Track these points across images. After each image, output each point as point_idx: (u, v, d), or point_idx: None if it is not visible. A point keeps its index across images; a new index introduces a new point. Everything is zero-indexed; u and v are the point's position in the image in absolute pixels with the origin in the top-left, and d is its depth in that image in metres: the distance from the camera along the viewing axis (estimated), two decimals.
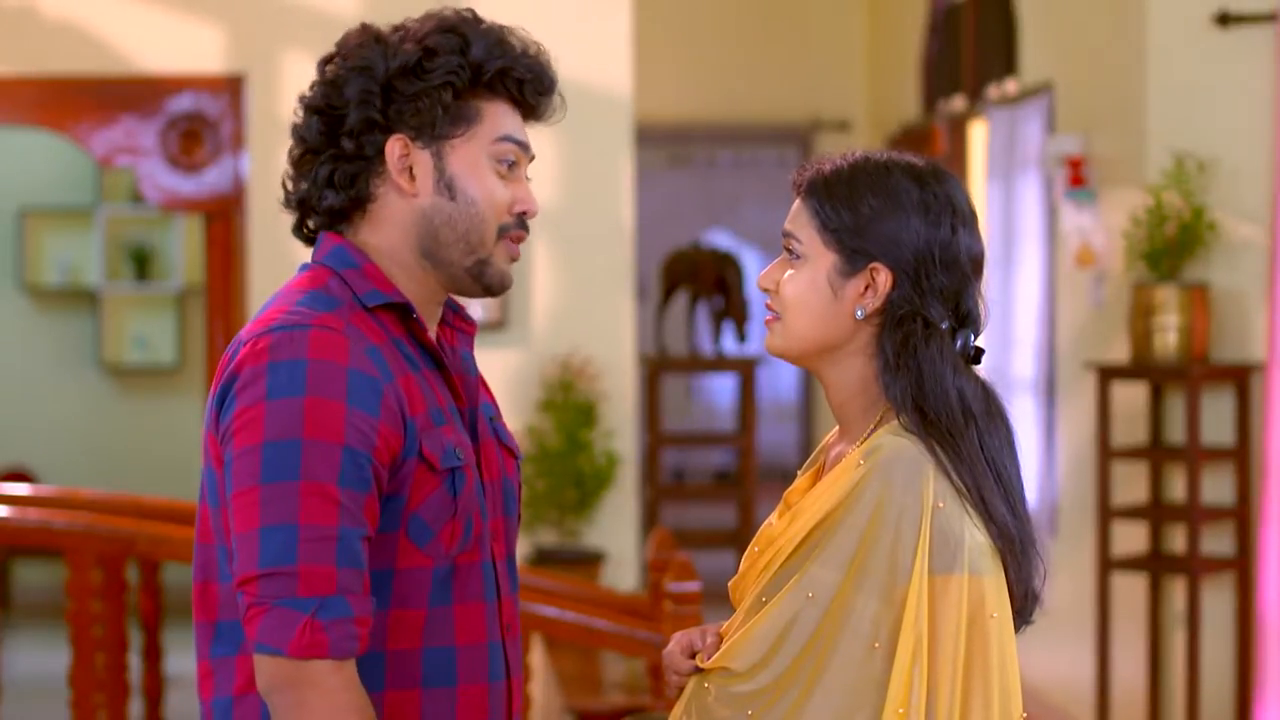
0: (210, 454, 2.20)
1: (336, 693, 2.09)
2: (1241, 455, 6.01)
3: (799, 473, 2.40)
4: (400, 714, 2.21)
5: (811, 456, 2.41)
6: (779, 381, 10.59)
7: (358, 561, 2.11)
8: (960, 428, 2.19)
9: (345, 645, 2.09)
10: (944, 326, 2.23)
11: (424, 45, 2.24)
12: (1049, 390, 7.10)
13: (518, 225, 2.31)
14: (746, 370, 8.91)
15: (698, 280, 8.78)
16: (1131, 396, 6.30)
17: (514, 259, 2.32)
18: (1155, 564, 6.13)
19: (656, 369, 8.86)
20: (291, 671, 2.08)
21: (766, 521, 2.35)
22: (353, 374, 2.14)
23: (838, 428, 2.36)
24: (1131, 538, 6.33)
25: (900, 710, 2.11)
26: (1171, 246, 5.96)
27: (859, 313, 2.24)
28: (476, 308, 6.46)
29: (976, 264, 2.28)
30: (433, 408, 2.23)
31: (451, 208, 2.26)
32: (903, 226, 2.23)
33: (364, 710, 2.11)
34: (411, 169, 2.26)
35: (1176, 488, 6.14)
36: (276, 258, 6.49)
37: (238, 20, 6.69)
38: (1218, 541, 6.11)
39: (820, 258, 2.25)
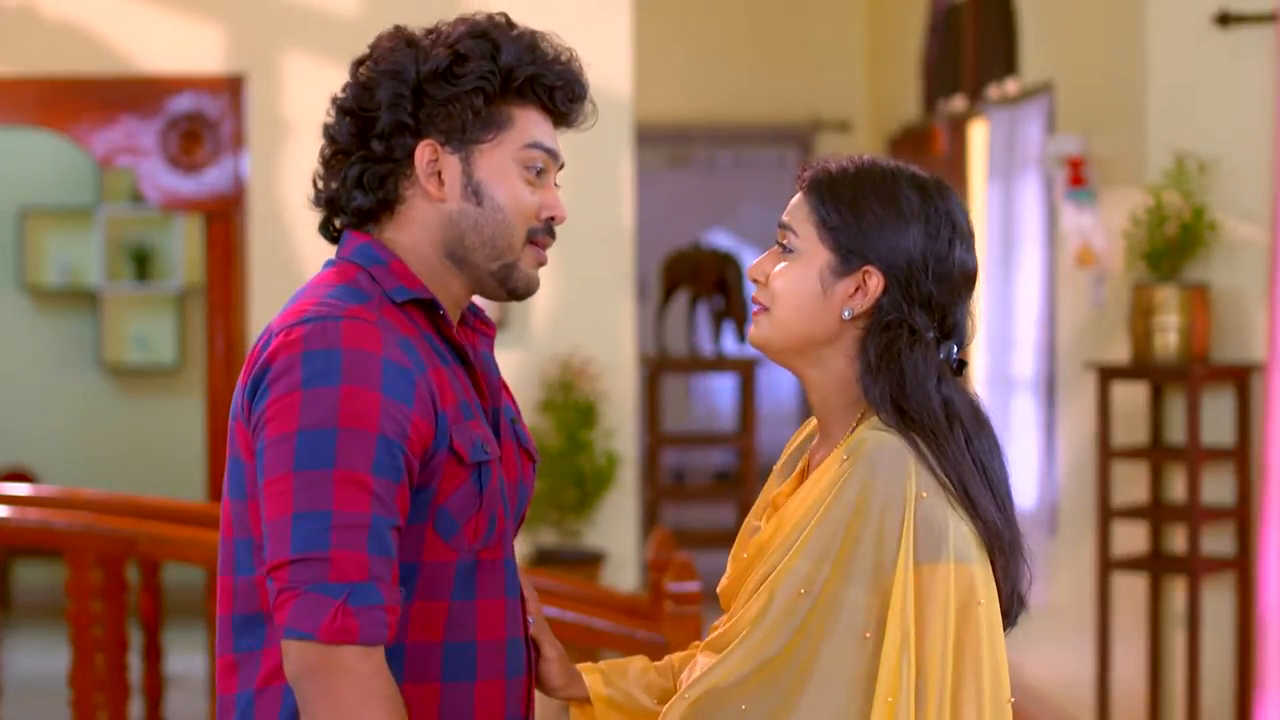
0: (239, 445, 2.21)
1: (366, 679, 2.09)
2: (1242, 455, 6.01)
3: (775, 470, 2.43)
4: (419, 707, 2.22)
5: (787, 456, 2.44)
6: (779, 382, 10.59)
7: (388, 550, 2.12)
8: (944, 428, 2.21)
9: (375, 632, 2.09)
10: (929, 336, 2.25)
11: (455, 50, 2.25)
12: (1049, 390, 7.10)
13: (545, 231, 2.32)
14: (746, 371, 8.91)
15: (698, 280, 8.79)
16: (1132, 396, 6.30)
17: (541, 264, 2.34)
18: (1155, 564, 6.13)
19: (657, 369, 8.86)
20: (321, 657, 2.08)
21: (749, 524, 2.37)
22: (387, 364, 2.15)
23: (811, 426, 2.40)
24: (1132, 538, 6.33)
25: (889, 699, 2.13)
26: (1172, 246, 5.96)
27: (846, 313, 2.26)
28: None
29: (968, 280, 2.30)
30: (462, 401, 2.24)
31: (478, 213, 2.28)
32: (901, 234, 2.25)
33: (393, 697, 2.12)
34: (440, 173, 2.27)
35: (1177, 488, 6.14)
36: (277, 258, 6.48)
37: (238, 20, 6.69)
38: (1218, 541, 6.11)
39: (814, 254, 2.27)
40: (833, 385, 2.30)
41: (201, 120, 6.66)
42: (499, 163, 2.28)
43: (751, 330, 2.33)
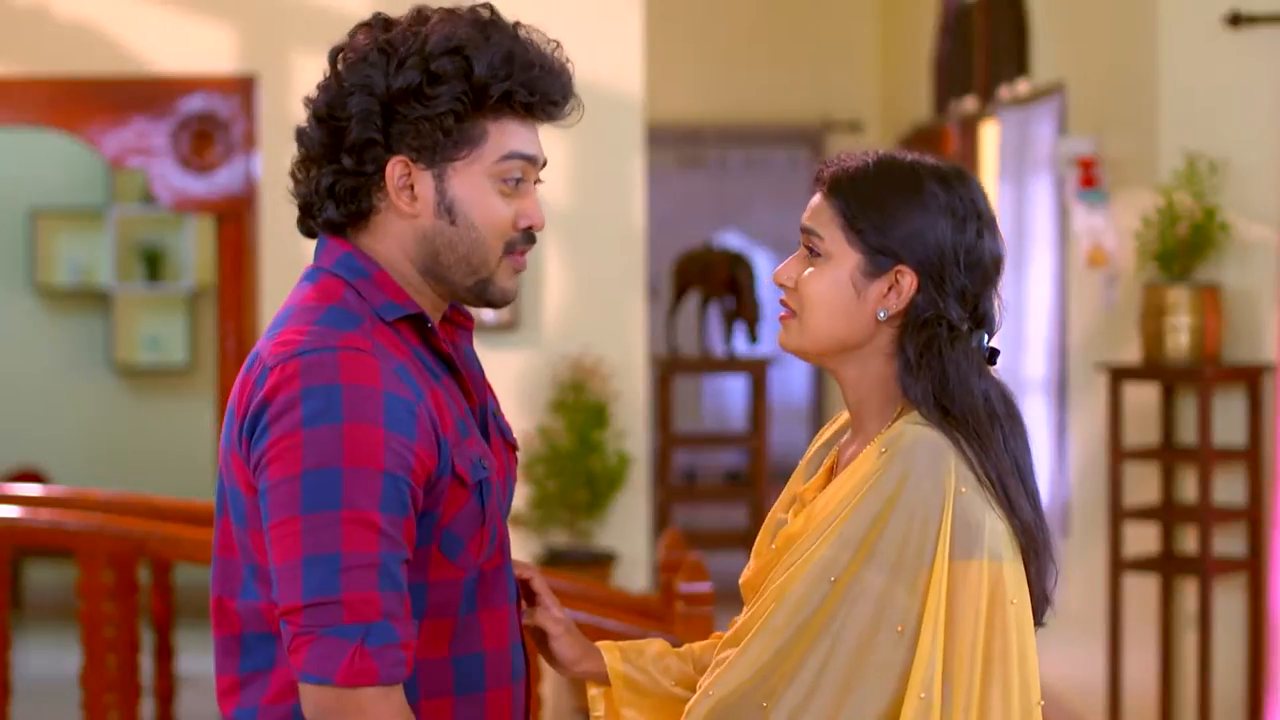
0: (236, 478, 2.17)
1: (386, 719, 2.08)
2: (1253, 456, 6.00)
3: (801, 465, 2.39)
4: None
5: (813, 452, 2.40)
6: (790, 382, 10.59)
7: (398, 585, 2.10)
8: (985, 427, 2.19)
9: (393, 671, 2.08)
10: (964, 329, 2.23)
11: (428, 69, 2.18)
12: (1060, 391, 7.09)
13: (524, 240, 2.27)
14: (758, 371, 8.90)
15: (709, 281, 8.78)
16: (1143, 397, 6.29)
17: (519, 271, 2.30)
18: (1167, 565, 6.12)
19: (668, 370, 8.85)
20: (340, 700, 2.06)
21: (775, 518, 2.35)
22: (388, 397, 2.11)
23: (840, 422, 2.37)
24: (1143, 538, 6.32)
25: (922, 695, 2.11)
26: (1183, 247, 5.96)
27: (881, 314, 2.23)
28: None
29: (997, 266, 2.29)
30: (458, 420, 2.21)
31: (452, 231, 2.23)
32: (930, 229, 2.22)
33: None
34: (413, 187, 2.22)
35: (1188, 488, 6.13)
36: (288, 258, 6.49)
37: (249, 21, 6.69)
38: (1229, 542, 6.11)
39: (844, 257, 2.24)
40: (869, 384, 2.27)
41: (213, 121, 6.67)
42: (473, 180, 2.22)
43: (782, 336, 2.29)
